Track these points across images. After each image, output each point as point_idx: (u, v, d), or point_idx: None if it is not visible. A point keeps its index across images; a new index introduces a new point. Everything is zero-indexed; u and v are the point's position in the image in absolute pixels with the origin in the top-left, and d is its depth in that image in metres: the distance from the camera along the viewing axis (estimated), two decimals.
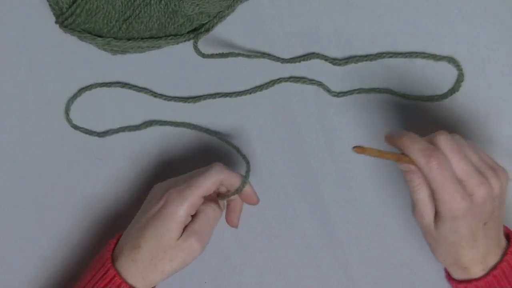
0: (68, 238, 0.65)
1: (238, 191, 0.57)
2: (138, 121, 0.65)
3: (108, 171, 0.64)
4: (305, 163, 0.64)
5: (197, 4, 0.60)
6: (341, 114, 0.63)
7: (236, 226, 0.60)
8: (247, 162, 0.59)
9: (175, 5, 0.60)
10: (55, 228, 0.65)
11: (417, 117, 0.63)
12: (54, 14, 0.62)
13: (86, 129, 0.64)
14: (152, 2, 0.59)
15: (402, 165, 0.52)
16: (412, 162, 0.51)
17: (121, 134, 0.65)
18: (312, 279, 0.64)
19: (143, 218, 0.55)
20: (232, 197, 0.58)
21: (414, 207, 0.53)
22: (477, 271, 0.52)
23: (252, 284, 0.64)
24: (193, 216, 0.56)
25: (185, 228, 0.55)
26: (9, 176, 0.65)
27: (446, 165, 0.49)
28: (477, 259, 0.52)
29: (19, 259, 0.65)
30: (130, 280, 0.54)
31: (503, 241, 0.53)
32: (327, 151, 0.63)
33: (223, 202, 0.59)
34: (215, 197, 0.58)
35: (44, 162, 0.64)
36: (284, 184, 0.64)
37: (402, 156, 0.51)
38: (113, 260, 0.55)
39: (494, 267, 0.52)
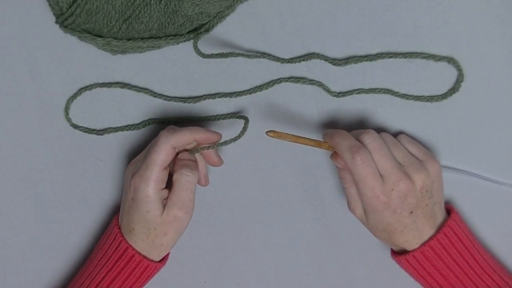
0: (68, 237, 0.65)
1: (209, 147, 0.58)
2: (138, 121, 0.65)
3: (108, 170, 0.65)
4: (305, 163, 0.64)
5: (197, 4, 0.60)
6: (341, 114, 0.63)
7: (204, 185, 0.61)
8: (245, 118, 0.60)
9: (175, 5, 0.60)
10: (54, 227, 0.65)
11: (417, 117, 0.63)
12: (54, 14, 0.62)
13: (86, 128, 0.64)
14: (152, 2, 0.59)
15: (336, 162, 0.57)
16: (330, 148, 0.57)
17: (121, 133, 0.65)
18: (312, 279, 0.64)
19: (126, 204, 0.58)
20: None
21: (348, 202, 0.58)
22: (414, 246, 0.56)
23: (252, 284, 0.64)
24: (171, 187, 0.58)
25: (166, 200, 0.57)
26: (9, 175, 0.65)
27: (369, 162, 0.53)
28: (410, 240, 0.56)
29: (19, 259, 0.65)
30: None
31: (440, 219, 0.57)
32: (327, 151, 0.63)
33: (196, 163, 0.59)
34: (188, 162, 0.58)
35: (44, 161, 0.65)
36: (284, 184, 0.64)
37: (321, 142, 0.57)
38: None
39: (431, 238, 0.56)
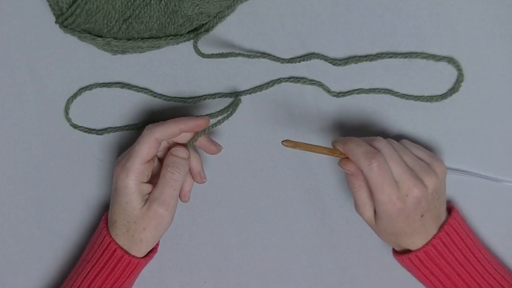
0: (68, 237, 0.65)
1: (201, 134, 0.58)
2: (138, 121, 0.65)
3: (108, 170, 0.65)
4: (305, 163, 0.64)
5: (197, 4, 0.60)
6: (341, 114, 0.63)
7: (200, 182, 0.61)
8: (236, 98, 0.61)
9: (175, 5, 0.60)
10: (54, 227, 0.65)
11: (417, 117, 0.63)
12: (54, 14, 0.62)
13: (85, 128, 0.64)
14: (152, 2, 0.59)
15: (345, 169, 0.56)
16: (342, 155, 0.56)
17: (121, 133, 0.65)
18: (312, 279, 0.64)
19: (111, 196, 0.59)
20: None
21: (356, 204, 0.57)
22: (418, 246, 0.56)
23: (252, 284, 0.64)
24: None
25: (149, 195, 0.57)
26: (9, 175, 0.65)
27: (385, 167, 0.53)
28: (416, 242, 0.56)
29: (19, 259, 0.65)
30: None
31: (443, 218, 0.58)
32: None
33: (186, 161, 0.58)
34: (176, 159, 0.58)
35: (44, 161, 0.65)
36: (284, 184, 0.64)
37: (334, 150, 0.56)
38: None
39: (433, 238, 0.56)
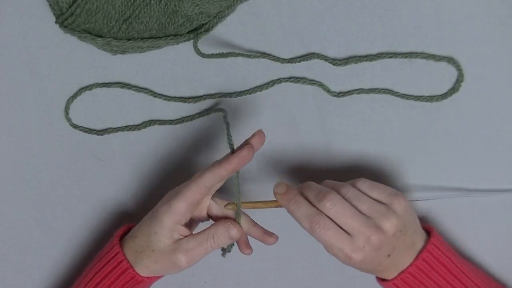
0: (68, 237, 0.65)
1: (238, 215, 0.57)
2: (138, 121, 0.65)
3: (108, 170, 0.65)
4: (305, 163, 0.64)
5: (197, 4, 0.60)
6: (341, 114, 0.63)
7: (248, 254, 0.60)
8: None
9: (175, 5, 0.60)
10: (54, 227, 0.65)
11: (417, 117, 0.63)
12: (54, 14, 0.62)
13: (85, 128, 0.64)
14: (152, 2, 0.59)
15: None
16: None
17: (121, 133, 0.65)
18: (312, 279, 0.64)
19: (150, 212, 0.57)
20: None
21: (326, 247, 0.55)
22: (395, 275, 0.56)
23: (252, 284, 0.64)
24: (199, 233, 0.56)
25: (181, 239, 0.55)
26: (9, 175, 0.65)
27: (328, 225, 0.53)
28: (392, 273, 0.56)
29: (19, 259, 0.65)
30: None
31: (420, 244, 0.56)
32: (326, 151, 0.63)
33: (228, 239, 0.57)
34: (225, 232, 0.56)
35: (44, 161, 0.65)
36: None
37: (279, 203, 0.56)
38: (121, 246, 0.58)
39: (410, 265, 0.55)
